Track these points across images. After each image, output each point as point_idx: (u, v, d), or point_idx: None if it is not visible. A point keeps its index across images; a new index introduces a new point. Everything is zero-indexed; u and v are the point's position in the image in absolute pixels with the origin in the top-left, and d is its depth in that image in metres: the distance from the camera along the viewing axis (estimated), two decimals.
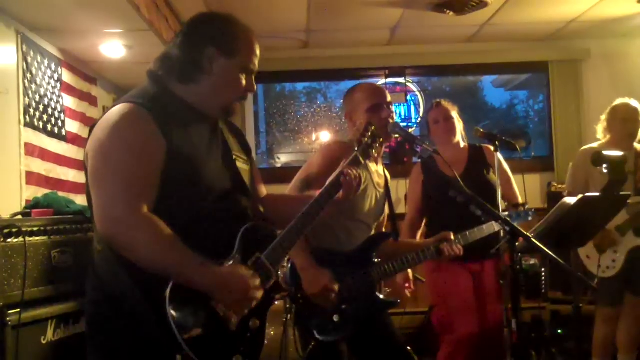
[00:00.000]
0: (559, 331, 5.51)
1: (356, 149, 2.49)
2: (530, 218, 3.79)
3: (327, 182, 2.40)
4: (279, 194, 2.79)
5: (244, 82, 2.26)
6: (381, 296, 3.23)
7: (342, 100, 3.51)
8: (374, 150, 2.52)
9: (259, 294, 2.10)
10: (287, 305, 4.40)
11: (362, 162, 2.47)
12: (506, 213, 3.77)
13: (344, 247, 3.19)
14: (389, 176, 3.46)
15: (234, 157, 2.32)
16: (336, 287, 2.99)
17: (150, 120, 2.05)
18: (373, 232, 3.36)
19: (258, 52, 2.28)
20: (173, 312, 1.91)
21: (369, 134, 2.52)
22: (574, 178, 4.72)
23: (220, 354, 2.04)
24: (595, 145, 4.71)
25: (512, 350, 3.87)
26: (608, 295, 4.49)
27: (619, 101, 4.72)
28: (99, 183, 2.01)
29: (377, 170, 3.34)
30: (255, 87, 2.33)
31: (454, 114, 4.25)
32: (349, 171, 2.39)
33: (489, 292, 4.08)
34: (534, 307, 5.56)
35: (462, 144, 4.30)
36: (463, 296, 4.02)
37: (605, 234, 4.34)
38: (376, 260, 3.20)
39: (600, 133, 4.77)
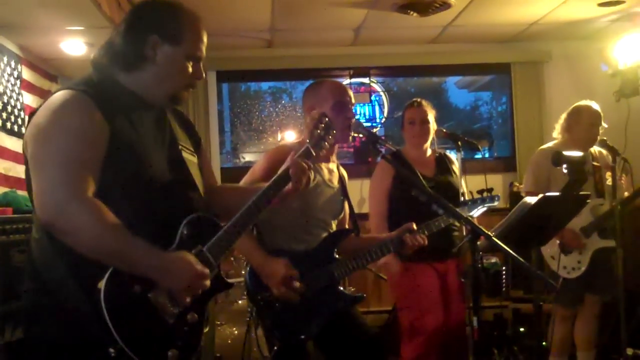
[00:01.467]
0: (521, 329, 5.57)
1: (308, 141, 2.46)
2: (496, 202, 3.80)
3: (277, 174, 2.37)
4: (228, 185, 2.75)
5: (190, 69, 2.21)
6: (345, 292, 3.22)
7: (303, 94, 3.40)
8: (326, 143, 2.48)
9: (207, 282, 2.07)
10: (249, 309, 4.37)
11: (314, 154, 2.43)
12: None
13: (304, 246, 3.17)
14: (344, 173, 3.44)
15: (180, 147, 2.28)
16: (295, 273, 2.96)
17: (92, 106, 2.01)
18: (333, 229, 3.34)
19: (205, 38, 2.24)
20: (107, 303, 1.86)
21: (322, 125, 2.48)
22: (535, 177, 4.70)
23: (156, 348, 1.98)
24: (551, 144, 4.74)
25: (474, 348, 3.90)
26: (569, 296, 4.53)
27: (582, 103, 4.70)
28: (39, 168, 1.95)
29: (328, 166, 3.32)
30: (204, 74, 2.28)
31: (431, 117, 4.18)
32: (298, 162, 2.36)
33: (452, 291, 4.09)
34: (496, 306, 5.62)
35: (429, 149, 4.26)
36: (431, 295, 4.00)
37: (574, 236, 4.39)
38: (338, 257, 3.19)
39: (558, 132, 4.77)
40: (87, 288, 1.89)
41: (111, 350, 1.86)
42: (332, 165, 3.37)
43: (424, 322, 3.95)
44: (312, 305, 3.06)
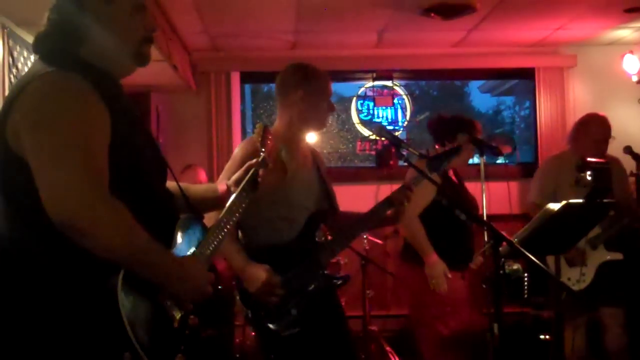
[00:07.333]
0: (541, 336, 5.53)
1: (262, 151, 2.60)
2: (455, 156, 3.82)
3: (244, 178, 2.45)
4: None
5: (138, 21, 2.07)
6: (331, 275, 3.25)
7: (303, 82, 3.32)
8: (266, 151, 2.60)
9: (210, 288, 2.04)
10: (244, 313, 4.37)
11: (268, 164, 2.57)
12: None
13: (289, 236, 3.17)
14: (318, 154, 3.48)
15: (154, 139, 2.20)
16: (277, 279, 2.99)
17: (91, 89, 1.85)
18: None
19: None
20: (124, 307, 1.76)
21: (268, 137, 2.68)
22: (540, 187, 4.67)
23: (166, 352, 1.90)
24: (559, 153, 4.70)
25: (494, 355, 3.87)
26: (576, 306, 4.49)
27: (593, 114, 4.64)
28: (48, 159, 1.74)
29: (302, 151, 3.34)
30: (155, 24, 2.15)
31: None
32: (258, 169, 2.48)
33: (461, 300, 4.03)
34: (517, 312, 5.58)
35: None
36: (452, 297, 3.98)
37: (576, 252, 4.33)
38: (320, 241, 3.22)
39: (567, 140, 4.71)
40: (93, 295, 1.78)
41: (127, 355, 1.75)
42: (305, 150, 3.39)
43: (448, 323, 3.95)
44: (302, 296, 3.07)
